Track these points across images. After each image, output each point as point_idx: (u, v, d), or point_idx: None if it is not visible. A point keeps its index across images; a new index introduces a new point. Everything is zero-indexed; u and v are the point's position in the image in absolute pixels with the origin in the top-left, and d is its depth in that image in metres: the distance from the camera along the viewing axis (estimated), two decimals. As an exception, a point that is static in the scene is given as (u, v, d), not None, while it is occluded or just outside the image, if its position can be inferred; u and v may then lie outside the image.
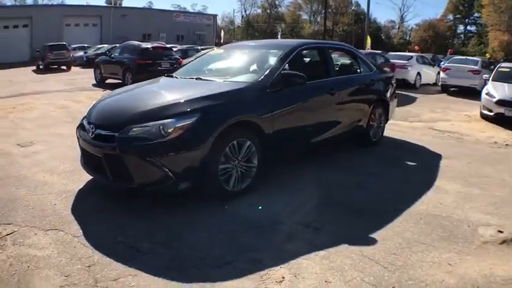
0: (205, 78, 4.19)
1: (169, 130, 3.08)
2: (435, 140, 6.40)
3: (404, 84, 14.15)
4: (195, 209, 3.31)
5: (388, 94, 5.84)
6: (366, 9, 28.21)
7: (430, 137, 6.65)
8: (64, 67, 21.09)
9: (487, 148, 5.96)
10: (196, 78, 4.20)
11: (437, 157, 5.21)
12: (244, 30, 66.28)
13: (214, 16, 51.29)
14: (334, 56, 5.95)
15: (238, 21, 70.52)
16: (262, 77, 3.88)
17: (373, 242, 2.78)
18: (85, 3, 42.04)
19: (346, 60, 5.95)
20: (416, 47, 38.29)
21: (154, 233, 2.88)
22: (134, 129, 3.16)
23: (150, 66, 12.17)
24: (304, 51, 4.86)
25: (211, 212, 3.25)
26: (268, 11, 66.69)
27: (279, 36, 42.74)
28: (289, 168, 4.39)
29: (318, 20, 61.61)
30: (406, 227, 3.06)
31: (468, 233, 3.00)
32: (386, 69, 7.28)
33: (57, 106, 8.68)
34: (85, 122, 3.68)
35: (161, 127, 3.09)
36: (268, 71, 3.96)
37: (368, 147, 5.50)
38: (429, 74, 15.66)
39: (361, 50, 9.42)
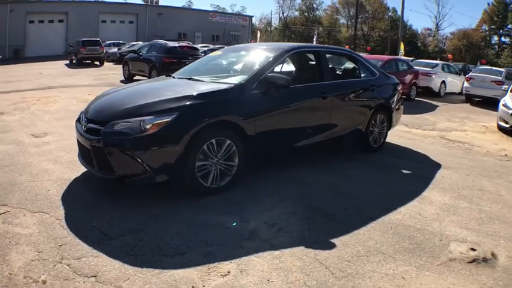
0: (197, 78, 4.34)
1: (148, 126, 3.26)
2: (442, 149, 6.27)
3: (428, 92, 13.83)
4: (172, 201, 3.47)
5: (392, 100, 5.78)
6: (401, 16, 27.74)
7: (438, 146, 6.52)
8: (97, 62, 21.92)
9: (494, 161, 5.77)
10: (188, 79, 4.36)
11: (437, 167, 5.13)
12: (281, 32, 66.58)
13: (250, 17, 52.37)
14: (334, 60, 5.95)
15: (276, 23, 71.06)
16: (247, 79, 3.97)
17: (331, 246, 2.79)
18: (122, 1, 43.53)
19: (345, 65, 5.92)
20: (449, 56, 37.74)
21: (127, 221, 3.08)
22: (118, 124, 3.37)
23: (175, 64, 12.47)
24: (297, 55, 4.90)
25: (186, 205, 3.40)
26: (306, 14, 66.75)
27: (314, 39, 42.68)
28: (275, 169, 4.46)
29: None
30: (372, 235, 3.04)
31: (437, 247, 2.91)
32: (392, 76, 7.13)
33: (80, 100, 9.15)
34: (82, 116, 3.93)
35: (141, 123, 3.28)
36: (254, 73, 4.04)
37: (368, 153, 5.47)
38: (455, 83, 15.21)
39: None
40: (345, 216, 3.36)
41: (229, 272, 2.43)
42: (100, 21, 37.82)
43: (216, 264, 2.51)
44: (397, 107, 5.95)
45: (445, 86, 14.39)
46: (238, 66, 4.59)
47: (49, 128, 6.26)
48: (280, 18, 69.54)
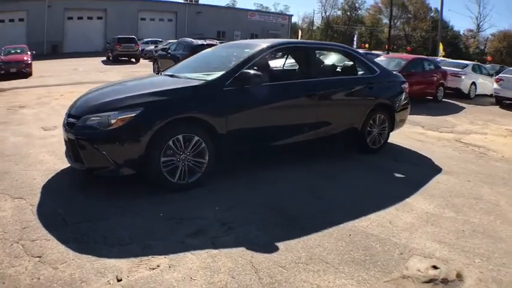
0: (177, 75, 4.39)
1: (113, 121, 3.38)
2: (452, 153, 5.92)
3: (457, 93, 13.12)
4: (144, 195, 3.56)
5: (395, 99, 5.50)
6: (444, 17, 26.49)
7: (449, 149, 6.16)
8: (133, 59, 22.73)
9: (506, 167, 5.34)
10: (170, 75, 4.43)
11: (436, 171, 4.83)
12: (323, 31, 66.00)
13: (290, 16, 52.21)
14: (327, 56, 5.76)
15: (318, 22, 70.60)
16: (219, 76, 3.96)
17: (272, 250, 2.70)
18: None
19: (339, 62, 5.72)
20: (488, 58, 35.89)
21: (91, 211, 3.22)
22: (90, 118, 3.52)
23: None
24: (281, 51, 4.79)
25: (153, 200, 3.48)
26: (348, 13, 65.68)
27: (354, 39, 41.97)
28: (255, 168, 4.41)
29: (398, 24, 59.77)
30: (324, 241, 2.88)
31: (393, 261, 2.66)
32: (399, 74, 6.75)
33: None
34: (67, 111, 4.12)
35: (108, 118, 3.40)
36: (228, 70, 4.01)
37: (366, 154, 5.26)
38: (486, 84, 14.26)
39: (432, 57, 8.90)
40: (307, 220, 3.24)
41: (158, 266, 2.46)
42: (139, 19, 38.84)
43: (149, 257, 2.55)
44: (401, 107, 5.65)
45: (476, 88, 13.58)
46: (222, 63, 4.55)
47: (61, 122, 6.58)
48: (322, 17, 68.97)
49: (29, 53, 16.31)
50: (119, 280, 2.31)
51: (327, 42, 6.57)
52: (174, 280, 2.33)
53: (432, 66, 12.17)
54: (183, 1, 44.47)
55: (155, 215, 3.18)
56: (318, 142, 4.82)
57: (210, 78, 4.01)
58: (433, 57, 18.66)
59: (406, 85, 5.82)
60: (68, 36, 34.13)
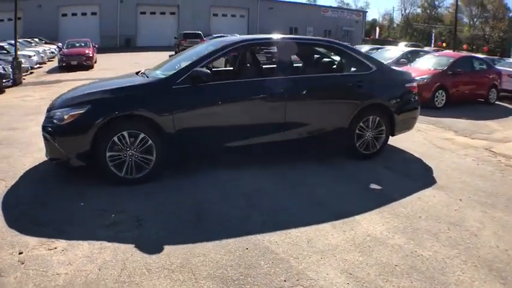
0: (148, 73, 4.53)
1: (65, 117, 3.71)
2: (466, 164, 5.21)
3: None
4: (92, 185, 3.84)
5: (393, 100, 4.96)
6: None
7: (468, 159, 5.43)
8: (198, 53, 23.59)
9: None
10: (137, 73, 4.65)
11: (425, 185, 4.27)
12: (403, 29, 63.81)
13: (364, 12, 50.59)
14: (307, 53, 5.36)
15: (398, 19, 68.56)
16: (171, 74, 4.03)
17: (155, 252, 2.74)
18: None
19: (320, 58, 5.32)
20: None
21: (42, 195, 3.64)
22: (54, 114, 3.87)
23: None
24: (245, 48, 4.59)
25: (96, 189, 3.76)
26: (428, 11, 62.82)
27: (432, 37, 39.17)
28: (213, 168, 4.38)
29: (477, 23, 55.87)
30: (211, 251, 2.76)
31: (271, 286, 2.42)
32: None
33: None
34: None
35: (62, 114, 3.74)
36: (181, 67, 4.06)
37: (355, 159, 4.90)
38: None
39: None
40: (218, 226, 3.14)
41: (55, 248, 2.76)
42: (211, 15, 40.11)
43: (55, 240, 2.86)
44: (403, 108, 5.06)
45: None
46: (184, 61, 4.55)
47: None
48: (402, 14, 66.59)
49: (91, 46, 17.78)
50: (20, 253, 2.67)
51: (309, 37, 5.98)
52: (56, 262, 2.59)
53: (484, 66, 10.89)
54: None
55: (93, 204, 3.46)
56: (296, 144, 4.59)
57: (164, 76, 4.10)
58: (504, 58, 16.81)
59: (412, 84, 5.22)
60: (141, 31, 36.32)
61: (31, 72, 14.81)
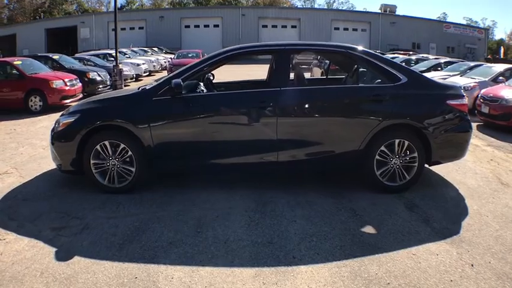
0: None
1: (60, 124, 4.17)
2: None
3: None
4: (75, 189, 4.24)
5: (429, 120, 4.06)
6: None
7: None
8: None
9: None
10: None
11: (442, 236, 3.32)
12: None
13: (486, 30, 48.50)
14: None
15: None
16: (153, 85, 4.12)
17: (59, 259, 2.91)
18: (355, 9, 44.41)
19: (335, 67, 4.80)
20: None
21: (33, 191, 4.23)
22: (58, 120, 4.33)
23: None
24: (235, 58, 4.26)
25: (77, 194, 4.15)
26: None
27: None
28: (199, 186, 4.29)
29: None
30: (102, 271, 2.76)
31: None
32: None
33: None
34: None
35: (61, 121, 4.21)
36: (164, 78, 4.10)
37: (379, 192, 4.07)
38: None
39: None
40: (137, 248, 3.07)
41: (4, 239, 3.20)
42: (333, 28, 40.38)
43: (11, 232, 3.30)
44: (444, 130, 4.13)
45: None
46: None
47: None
48: None
49: (201, 57, 19.12)
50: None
51: (318, 42, 4.74)
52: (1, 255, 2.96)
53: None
54: (379, 11, 43.42)
55: (66, 207, 3.83)
56: (291, 166, 4.12)
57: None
58: None
59: (458, 101, 4.17)
60: (185, 43, 37.03)
61: (138, 80, 16.70)
